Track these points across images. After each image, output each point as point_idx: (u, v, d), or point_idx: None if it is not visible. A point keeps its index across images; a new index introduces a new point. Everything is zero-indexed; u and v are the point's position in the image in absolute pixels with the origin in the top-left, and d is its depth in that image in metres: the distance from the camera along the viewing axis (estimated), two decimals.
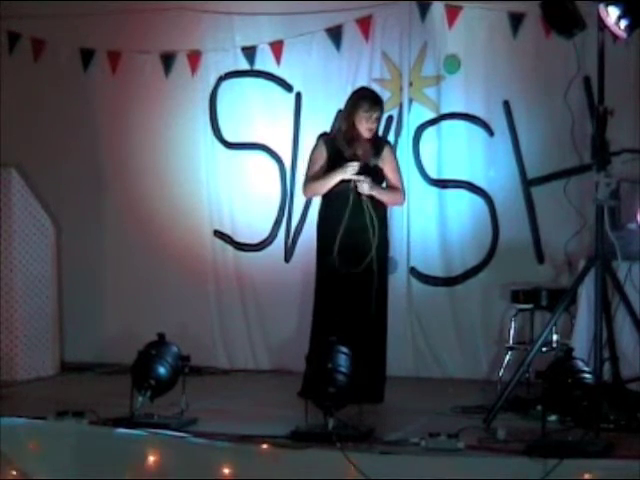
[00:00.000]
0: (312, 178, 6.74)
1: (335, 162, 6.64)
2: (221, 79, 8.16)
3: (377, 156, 6.71)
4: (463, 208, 7.69)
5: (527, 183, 7.55)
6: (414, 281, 7.76)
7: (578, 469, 4.89)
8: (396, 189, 6.79)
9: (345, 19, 7.81)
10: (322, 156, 6.71)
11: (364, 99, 6.68)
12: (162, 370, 5.92)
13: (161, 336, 6.08)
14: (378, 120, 6.70)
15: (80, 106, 8.41)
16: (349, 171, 6.56)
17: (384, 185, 6.76)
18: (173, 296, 8.22)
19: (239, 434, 5.53)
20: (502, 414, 5.97)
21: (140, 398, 5.81)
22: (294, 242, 8.02)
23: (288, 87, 8.03)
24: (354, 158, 6.60)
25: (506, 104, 7.56)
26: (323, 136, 6.84)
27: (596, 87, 6.23)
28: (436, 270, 7.74)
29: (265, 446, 5.29)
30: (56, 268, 8.00)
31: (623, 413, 5.83)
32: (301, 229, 7.98)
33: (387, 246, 6.86)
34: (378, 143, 6.80)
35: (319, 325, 6.69)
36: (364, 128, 6.63)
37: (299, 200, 7.98)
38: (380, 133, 7.08)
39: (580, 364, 5.51)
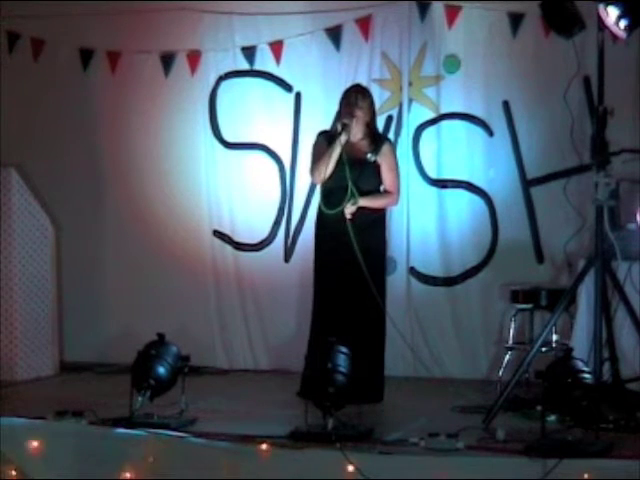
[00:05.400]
0: (316, 161, 6.75)
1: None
2: (221, 79, 8.17)
3: (376, 152, 6.73)
4: (463, 208, 7.69)
5: (527, 183, 7.55)
6: (414, 281, 7.76)
7: (577, 469, 4.89)
8: (388, 192, 6.79)
9: (345, 19, 7.81)
10: (323, 148, 6.71)
11: (345, 92, 6.80)
12: (162, 370, 5.93)
13: (161, 336, 6.09)
14: (358, 106, 6.69)
15: (80, 106, 8.41)
16: (339, 130, 6.60)
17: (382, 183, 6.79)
18: (173, 296, 8.22)
19: (239, 434, 5.54)
20: (502, 414, 5.97)
21: (140, 398, 5.82)
22: (294, 242, 8.03)
23: (288, 87, 8.04)
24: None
25: (506, 104, 7.56)
26: (322, 134, 6.87)
27: (596, 87, 6.24)
28: (436, 270, 7.74)
29: (265, 446, 5.29)
30: (56, 268, 8.00)
31: (623, 413, 5.83)
32: (301, 229, 7.98)
33: (384, 246, 6.86)
34: (378, 140, 6.82)
35: (318, 325, 6.70)
36: (346, 114, 6.66)
37: (299, 200, 7.99)
38: (380, 133, 7.11)
39: (580, 364, 5.51)
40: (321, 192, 6.77)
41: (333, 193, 6.66)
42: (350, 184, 6.58)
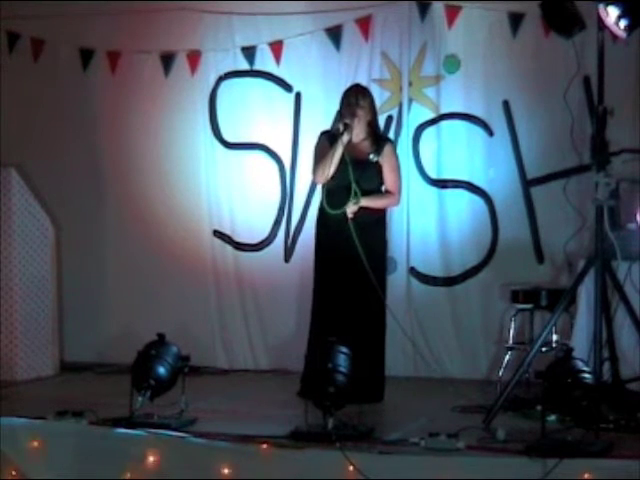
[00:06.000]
0: (318, 161, 6.74)
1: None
2: (221, 79, 8.17)
3: (378, 152, 6.74)
4: (463, 208, 7.69)
5: (527, 183, 7.55)
6: (414, 281, 7.76)
7: (577, 469, 4.89)
8: (390, 193, 6.80)
9: (345, 19, 7.81)
10: (326, 148, 6.71)
11: (346, 92, 6.80)
12: (162, 370, 5.92)
13: (161, 336, 6.09)
14: (359, 105, 6.69)
15: (80, 106, 8.41)
16: (341, 130, 6.59)
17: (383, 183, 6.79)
18: (173, 296, 8.22)
19: (239, 434, 5.53)
20: (502, 414, 5.97)
21: (140, 398, 5.82)
22: (294, 242, 8.03)
23: (288, 87, 8.04)
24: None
25: (506, 104, 7.56)
26: (324, 134, 6.88)
27: (596, 87, 6.24)
28: (436, 270, 7.74)
29: (265, 446, 5.29)
30: (56, 268, 8.00)
31: (623, 413, 5.83)
32: (301, 229, 7.98)
33: (385, 246, 6.87)
34: (380, 140, 6.84)
35: (317, 325, 6.70)
36: (348, 114, 6.66)
37: (299, 200, 8.00)
38: (382, 133, 7.13)
39: (580, 364, 5.51)
40: (324, 192, 6.76)
41: (336, 193, 6.67)
42: (353, 184, 6.59)
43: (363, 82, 7.42)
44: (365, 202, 6.63)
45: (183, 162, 8.29)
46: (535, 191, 7.54)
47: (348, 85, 7.10)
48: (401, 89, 7.76)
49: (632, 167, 6.87)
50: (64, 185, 8.42)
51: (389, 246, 7.14)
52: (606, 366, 6.11)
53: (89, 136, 8.45)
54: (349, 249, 6.54)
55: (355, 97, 6.72)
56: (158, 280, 8.28)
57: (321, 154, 6.73)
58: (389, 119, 7.76)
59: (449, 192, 7.72)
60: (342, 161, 6.62)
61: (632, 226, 6.68)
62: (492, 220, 7.62)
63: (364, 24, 7.78)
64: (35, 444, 5.59)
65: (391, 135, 7.69)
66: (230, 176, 8.18)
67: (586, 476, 4.86)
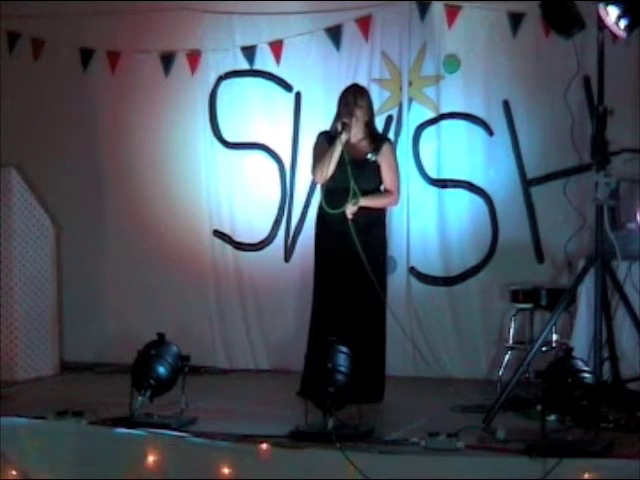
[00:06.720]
0: (317, 161, 6.75)
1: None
2: (221, 79, 8.17)
3: (376, 152, 6.74)
4: (463, 208, 7.69)
5: (527, 183, 7.55)
6: (414, 281, 7.75)
7: (578, 469, 4.89)
8: (389, 192, 6.80)
9: (345, 19, 7.81)
10: (324, 148, 6.72)
11: (343, 91, 6.82)
12: (162, 370, 5.93)
13: (161, 336, 6.10)
14: (357, 105, 6.70)
15: (80, 106, 8.41)
16: (339, 129, 6.60)
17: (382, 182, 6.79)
18: (173, 296, 8.22)
19: (239, 434, 5.53)
20: (502, 414, 5.97)
21: (140, 398, 5.82)
22: (294, 242, 8.03)
23: (288, 87, 8.04)
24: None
25: (506, 104, 7.56)
26: (323, 134, 6.88)
27: (596, 87, 6.24)
28: (436, 270, 7.74)
29: (265, 446, 5.29)
30: (56, 268, 8.00)
31: (623, 413, 5.83)
32: (301, 229, 7.98)
33: (384, 246, 6.88)
34: (378, 140, 6.84)
35: (317, 325, 6.71)
36: (346, 113, 6.66)
37: (299, 199, 8.00)
38: (380, 133, 7.13)
39: (580, 364, 5.52)
40: (323, 192, 6.77)
41: (335, 193, 6.67)
42: (352, 184, 6.59)
43: (363, 82, 7.43)
44: (364, 202, 6.63)
45: (183, 162, 8.29)
46: (535, 191, 7.54)
47: (347, 84, 7.10)
48: (401, 89, 7.76)
49: (632, 167, 6.88)
50: (64, 185, 8.42)
51: (389, 246, 7.14)
52: (606, 366, 6.12)
53: (89, 136, 8.45)
54: (349, 249, 6.55)
55: (353, 97, 6.73)
56: (158, 280, 8.28)
57: (320, 154, 6.74)
58: (389, 119, 7.76)
59: (449, 192, 7.72)
60: (341, 161, 6.63)
61: (632, 226, 6.68)
62: (492, 220, 7.62)
63: (364, 24, 7.79)
64: (35, 444, 5.59)
65: (391, 135, 7.69)
66: (230, 176, 8.18)
67: (586, 476, 4.86)
